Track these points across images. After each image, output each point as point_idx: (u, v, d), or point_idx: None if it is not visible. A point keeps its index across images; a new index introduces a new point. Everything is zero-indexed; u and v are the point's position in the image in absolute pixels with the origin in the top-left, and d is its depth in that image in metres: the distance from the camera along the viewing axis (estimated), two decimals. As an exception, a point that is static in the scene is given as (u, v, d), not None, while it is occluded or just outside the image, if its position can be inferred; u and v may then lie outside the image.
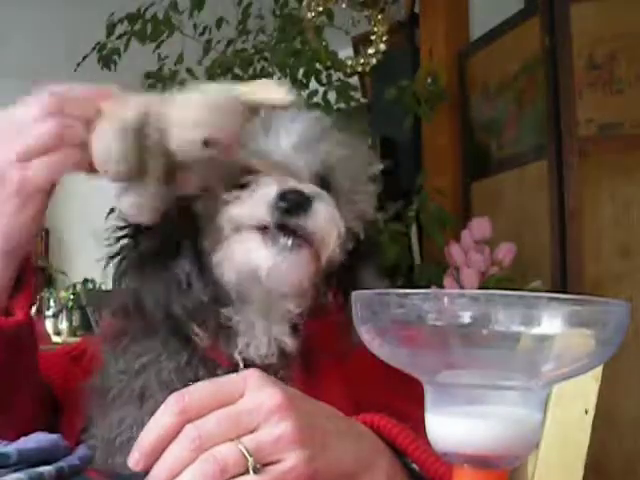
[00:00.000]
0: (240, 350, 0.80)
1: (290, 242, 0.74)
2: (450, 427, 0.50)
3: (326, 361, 0.87)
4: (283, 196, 0.73)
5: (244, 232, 0.75)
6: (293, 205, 0.73)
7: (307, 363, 0.84)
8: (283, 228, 0.74)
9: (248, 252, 0.76)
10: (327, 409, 0.65)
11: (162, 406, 0.59)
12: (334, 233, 0.75)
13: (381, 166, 0.85)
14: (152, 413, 0.58)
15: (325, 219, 0.74)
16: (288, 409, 0.58)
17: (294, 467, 0.57)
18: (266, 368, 0.71)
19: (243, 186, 0.77)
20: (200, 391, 0.60)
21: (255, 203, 0.74)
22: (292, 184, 0.75)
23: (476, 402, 0.50)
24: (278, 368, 0.81)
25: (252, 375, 0.60)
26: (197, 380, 0.65)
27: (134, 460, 0.57)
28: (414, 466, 0.69)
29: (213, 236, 0.78)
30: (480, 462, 0.50)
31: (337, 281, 0.84)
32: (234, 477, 0.56)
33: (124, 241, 0.81)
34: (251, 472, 0.56)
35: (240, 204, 0.76)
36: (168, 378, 0.78)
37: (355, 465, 0.64)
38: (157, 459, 0.57)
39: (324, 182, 0.78)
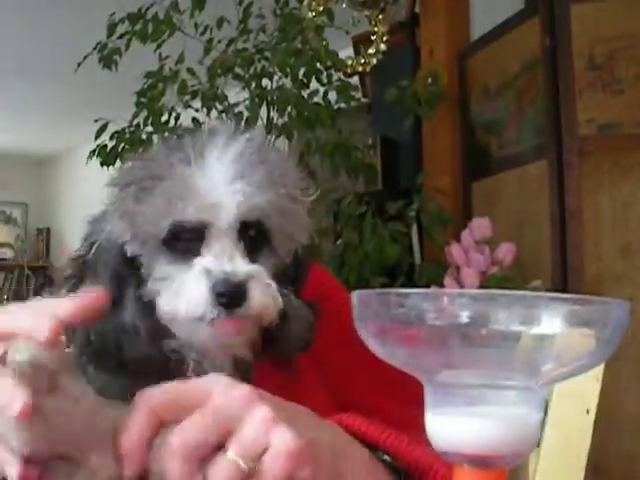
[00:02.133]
0: (191, 370, 0.80)
1: (230, 326, 0.74)
2: (450, 427, 0.50)
3: (305, 364, 0.87)
4: (218, 292, 0.73)
5: (182, 319, 0.76)
6: (229, 300, 0.73)
7: (284, 367, 0.84)
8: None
9: (190, 330, 0.76)
10: (294, 404, 0.65)
11: (133, 410, 0.59)
12: (272, 307, 0.75)
13: (312, 191, 0.84)
14: None
15: (262, 301, 0.74)
16: (259, 399, 0.59)
17: (284, 445, 0.57)
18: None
19: (173, 245, 0.76)
20: (169, 392, 0.60)
21: (190, 299, 0.74)
22: (223, 266, 0.74)
23: (476, 402, 0.50)
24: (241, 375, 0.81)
25: (215, 377, 0.61)
26: None
27: (126, 474, 0.58)
28: (387, 457, 0.70)
29: (154, 289, 0.78)
30: (480, 462, 0.50)
31: None
32: None
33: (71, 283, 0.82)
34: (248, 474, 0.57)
35: (173, 296, 0.75)
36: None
37: (332, 453, 0.63)
38: (142, 461, 0.57)
39: (258, 225, 0.78)
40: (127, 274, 0.79)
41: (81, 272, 0.81)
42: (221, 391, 0.59)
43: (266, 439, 0.57)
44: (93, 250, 0.80)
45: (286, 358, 0.83)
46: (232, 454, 0.57)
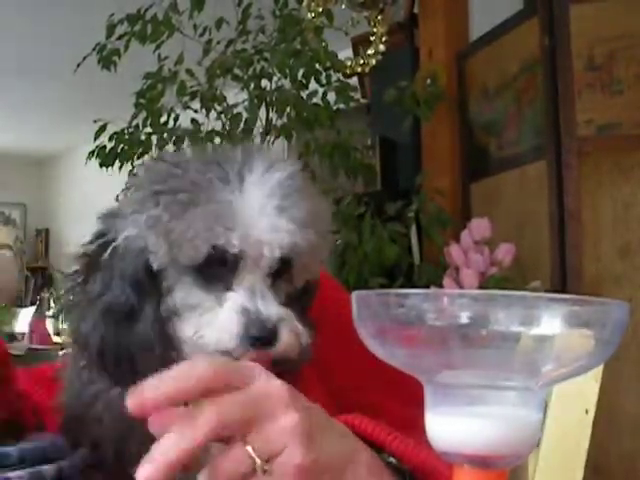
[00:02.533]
0: None
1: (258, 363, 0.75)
2: (450, 427, 0.50)
3: (304, 366, 0.87)
4: (252, 335, 0.73)
5: (206, 348, 0.75)
6: (262, 344, 0.74)
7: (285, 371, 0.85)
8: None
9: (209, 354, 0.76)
10: (317, 405, 0.66)
11: (177, 367, 0.58)
12: (297, 348, 0.76)
13: (336, 237, 0.86)
14: None
15: (290, 344, 0.75)
16: (293, 401, 0.60)
17: (295, 459, 0.58)
18: None
19: (205, 271, 0.76)
20: (215, 366, 0.59)
21: (222, 334, 0.74)
22: (258, 306, 0.74)
23: (476, 402, 0.50)
24: None
25: (258, 366, 0.61)
26: None
27: (134, 403, 0.56)
28: (392, 460, 0.70)
29: (174, 309, 0.77)
30: (480, 462, 0.50)
31: None
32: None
33: (77, 288, 0.80)
34: (259, 472, 0.57)
35: (201, 324, 0.75)
36: (117, 409, 0.75)
37: (339, 460, 0.64)
38: (158, 414, 0.56)
39: (287, 262, 0.78)
40: (147, 285, 0.77)
41: (89, 271, 0.79)
42: (263, 380, 0.60)
43: (283, 446, 0.58)
44: (108, 252, 0.78)
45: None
46: (252, 450, 0.57)
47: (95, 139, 2.94)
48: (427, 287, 2.49)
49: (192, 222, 0.74)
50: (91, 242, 0.80)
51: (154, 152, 2.80)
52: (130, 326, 0.76)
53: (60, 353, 5.00)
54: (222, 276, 0.76)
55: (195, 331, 0.75)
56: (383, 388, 0.89)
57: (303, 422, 0.59)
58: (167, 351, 0.76)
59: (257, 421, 0.58)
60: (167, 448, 0.55)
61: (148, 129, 2.86)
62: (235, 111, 2.81)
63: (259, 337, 0.73)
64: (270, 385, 0.60)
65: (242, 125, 2.76)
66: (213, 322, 0.74)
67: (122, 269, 0.77)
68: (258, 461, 0.57)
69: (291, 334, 0.75)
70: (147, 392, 0.57)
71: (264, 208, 0.75)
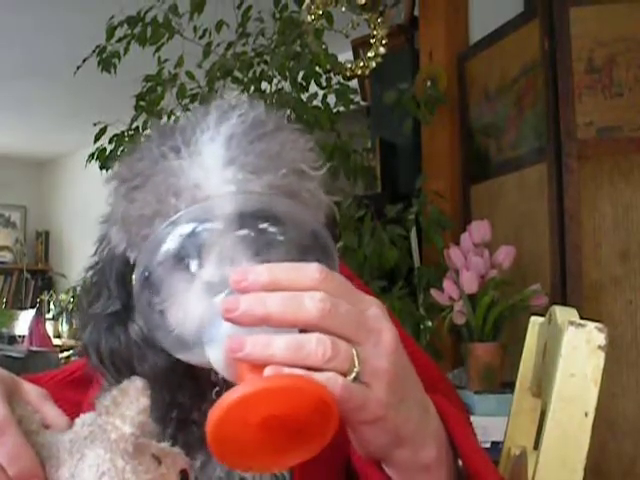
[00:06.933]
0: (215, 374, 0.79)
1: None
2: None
3: None
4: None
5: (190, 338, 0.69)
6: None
7: None
8: None
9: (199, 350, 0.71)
10: (414, 373, 0.63)
11: (302, 264, 0.56)
12: None
13: (323, 167, 0.74)
14: None
15: None
16: (396, 352, 0.57)
17: (375, 399, 0.56)
18: None
19: None
20: (340, 278, 0.57)
21: (195, 320, 0.64)
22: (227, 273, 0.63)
23: None
24: None
25: (380, 304, 0.59)
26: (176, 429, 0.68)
27: (240, 273, 0.54)
28: (459, 463, 0.67)
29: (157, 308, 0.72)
30: None
31: None
32: (330, 369, 0.54)
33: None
34: (351, 377, 0.54)
35: (181, 316, 0.67)
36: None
37: (410, 434, 0.61)
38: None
39: (264, 215, 0.66)
40: (130, 286, 0.72)
41: (98, 278, 0.78)
42: (377, 316, 0.57)
43: (369, 381, 0.56)
44: (104, 256, 0.76)
45: None
46: (357, 353, 0.55)
47: (95, 141, 2.94)
48: (427, 290, 2.49)
49: (143, 202, 0.68)
50: (95, 251, 0.79)
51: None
52: (122, 331, 0.74)
53: (60, 355, 4.99)
54: (190, 253, 0.65)
55: (177, 323, 0.65)
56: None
57: (395, 374, 0.57)
58: (158, 352, 0.71)
59: (360, 341, 0.55)
60: (269, 301, 0.53)
61: (148, 131, 2.86)
62: (235, 113, 2.80)
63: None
64: (382, 325, 0.57)
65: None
66: (187, 310, 0.65)
67: (110, 270, 0.75)
68: (358, 367, 0.54)
69: None
70: (253, 274, 0.54)
71: (212, 164, 0.67)
